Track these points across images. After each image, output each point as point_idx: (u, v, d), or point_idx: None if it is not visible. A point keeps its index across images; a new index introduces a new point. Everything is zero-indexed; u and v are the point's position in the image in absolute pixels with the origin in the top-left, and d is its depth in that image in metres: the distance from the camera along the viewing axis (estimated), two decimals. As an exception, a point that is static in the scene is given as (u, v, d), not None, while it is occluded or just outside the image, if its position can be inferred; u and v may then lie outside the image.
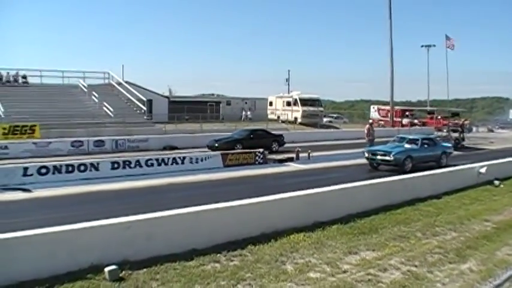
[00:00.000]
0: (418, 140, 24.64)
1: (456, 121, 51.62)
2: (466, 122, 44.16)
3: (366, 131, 29.75)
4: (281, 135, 33.15)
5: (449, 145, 27.68)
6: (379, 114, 62.70)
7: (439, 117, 56.04)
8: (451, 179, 18.71)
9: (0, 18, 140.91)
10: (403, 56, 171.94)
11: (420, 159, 23.67)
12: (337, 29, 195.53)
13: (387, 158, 22.74)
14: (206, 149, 28.74)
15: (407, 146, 24.00)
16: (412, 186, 16.54)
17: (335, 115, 68.60)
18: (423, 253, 10.43)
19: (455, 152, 31.82)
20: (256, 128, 34.26)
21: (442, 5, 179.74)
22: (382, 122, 59.42)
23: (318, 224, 12.24)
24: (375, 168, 23.68)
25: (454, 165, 21.96)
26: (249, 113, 57.19)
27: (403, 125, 54.80)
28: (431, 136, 27.36)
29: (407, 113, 60.25)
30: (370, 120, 35.48)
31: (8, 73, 44.08)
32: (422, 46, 70.77)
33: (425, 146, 24.59)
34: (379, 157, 23.24)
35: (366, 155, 24.05)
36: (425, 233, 12.16)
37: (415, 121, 57.84)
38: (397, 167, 22.35)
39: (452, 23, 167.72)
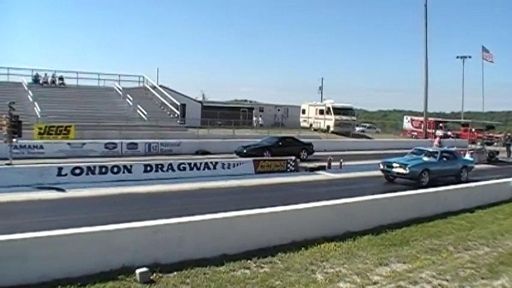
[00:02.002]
0: (437, 153, 23.90)
1: (491, 134, 50.88)
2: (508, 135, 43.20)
3: (437, 144, 29.48)
4: (310, 144, 32.94)
5: (471, 159, 26.96)
6: (412, 125, 61.97)
7: (473, 129, 55.30)
8: (484, 192, 18.39)
9: (37, 19, 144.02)
10: (437, 67, 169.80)
11: (438, 173, 22.88)
12: (371, 38, 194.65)
13: (403, 170, 21.91)
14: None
15: (425, 158, 23.23)
16: (445, 199, 16.31)
17: (367, 125, 68.12)
18: (455, 267, 10.26)
19: (489, 166, 31.47)
20: (286, 136, 34.16)
21: (478, 15, 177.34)
22: (415, 133, 58.85)
23: (348, 234, 12.17)
24: (390, 180, 22.96)
25: (476, 180, 21.28)
26: (260, 119, 56.91)
27: (436, 137, 54.13)
28: (452, 149, 26.61)
29: (440, 125, 59.35)
30: (440, 134, 35.18)
31: (45, 74, 44.94)
32: (457, 57, 69.87)
33: (445, 159, 23.71)
34: (394, 169, 22.38)
35: (381, 166, 23.29)
36: (457, 247, 11.97)
37: (449, 133, 57.09)
38: (413, 181, 21.69)
39: (488, 34, 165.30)
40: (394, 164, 22.45)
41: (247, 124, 55.31)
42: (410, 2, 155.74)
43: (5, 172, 18.67)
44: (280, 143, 30.90)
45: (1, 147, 23.46)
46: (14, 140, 21.47)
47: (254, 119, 56.05)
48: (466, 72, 69.05)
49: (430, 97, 56.85)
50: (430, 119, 59.74)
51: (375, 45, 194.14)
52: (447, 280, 9.44)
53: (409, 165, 21.83)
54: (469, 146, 37.76)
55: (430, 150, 24.41)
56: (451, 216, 15.33)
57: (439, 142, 30.43)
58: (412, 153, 24.46)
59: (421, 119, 59.60)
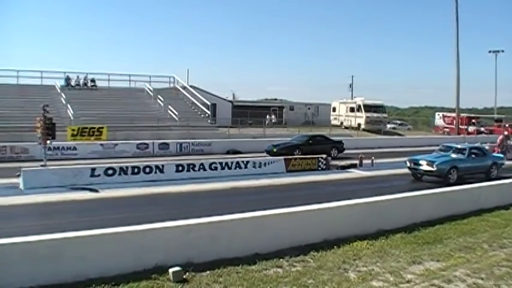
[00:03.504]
0: (465, 149, 23.08)
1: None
2: None
3: (498, 141, 28.75)
4: (341, 142, 32.77)
5: (501, 156, 26.24)
6: (444, 121, 61.33)
7: (507, 125, 54.45)
8: (520, 189, 18.01)
9: (74, 22, 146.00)
10: (469, 62, 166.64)
11: (466, 170, 22.29)
12: (401, 34, 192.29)
13: (430, 168, 21.49)
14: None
15: (453, 155, 22.63)
16: (479, 196, 16.06)
17: (399, 122, 67.49)
18: (490, 265, 10.10)
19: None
20: (316, 134, 34.03)
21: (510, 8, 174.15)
22: (447, 130, 58.18)
23: (381, 232, 12.11)
24: (417, 178, 22.60)
25: (510, 177, 20.31)
26: (273, 117, 56.48)
27: (469, 133, 53.35)
28: (481, 145, 26.03)
29: (473, 121, 58.66)
30: (506, 132, 34.21)
31: (77, 77, 45.46)
32: (489, 52, 68.96)
33: (473, 156, 22.93)
34: (421, 167, 21.94)
35: (408, 164, 22.86)
36: (492, 245, 11.78)
37: (482, 129, 56.29)
38: (441, 178, 21.30)
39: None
40: (421, 162, 22.06)
41: (278, 123, 55.23)
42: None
43: (40, 173, 19.00)
44: (310, 142, 30.80)
45: (36, 148, 24.00)
46: (48, 141, 21.78)
47: (267, 117, 55.62)
48: (498, 66, 67.92)
49: (462, 93, 55.97)
50: (462, 115, 58.98)
51: (406, 41, 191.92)
52: (482, 279, 9.29)
53: (436, 163, 21.44)
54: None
55: (458, 147, 23.71)
56: (486, 213, 15.08)
57: (501, 141, 28.95)
58: (440, 150, 24.00)
59: (453, 115, 58.82)
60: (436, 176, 21.57)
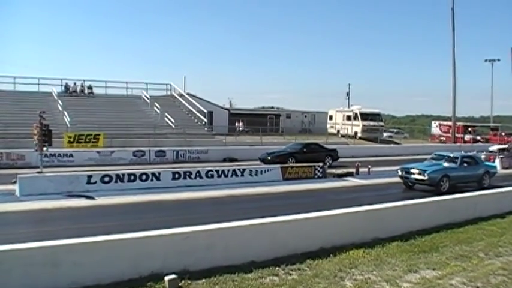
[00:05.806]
0: (457, 158, 23.06)
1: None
2: None
3: None
4: (335, 150, 32.78)
5: (494, 164, 26.36)
6: (441, 130, 61.33)
7: (503, 133, 54.54)
8: (516, 198, 18.00)
9: (72, 29, 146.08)
10: (465, 71, 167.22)
11: (458, 179, 22.22)
12: (398, 43, 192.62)
13: (421, 177, 21.44)
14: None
15: (445, 164, 22.57)
16: (475, 205, 16.07)
17: (395, 130, 67.42)
18: (486, 274, 10.09)
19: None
20: (310, 142, 34.03)
21: (506, 18, 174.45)
22: (444, 138, 58.22)
23: (377, 240, 12.09)
24: (409, 187, 22.54)
25: (504, 186, 20.29)
26: (241, 124, 55.62)
27: (465, 142, 53.47)
28: (473, 154, 26.05)
29: (469, 129, 58.71)
30: None
31: (74, 84, 45.34)
32: (486, 60, 69.12)
33: (465, 164, 22.89)
34: (413, 176, 21.92)
35: (400, 173, 22.91)
36: (488, 253, 11.78)
37: (478, 137, 56.37)
38: (433, 187, 21.28)
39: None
40: (413, 170, 22.01)
41: (274, 131, 55.18)
42: (438, 8, 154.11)
43: (36, 180, 18.93)
44: (304, 150, 30.87)
45: (32, 155, 24.02)
46: (45, 148, 21.74)
47: (236, 124, 55.24)
48: (495, 75, 68.06)
49: (458, 101, 56.21)
50: (458, 123, 59.05)
51: (403, 50, 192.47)
52: (478, 287, 9.30)
53: (427, 171, 21.39)
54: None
55: (451, 155, 23.68)
56: (482, 222, 15.10)
57: None
58: (432, 158, 23.94)
59: (450, 123, 58.81)
60: (427, 185, 21.52)
